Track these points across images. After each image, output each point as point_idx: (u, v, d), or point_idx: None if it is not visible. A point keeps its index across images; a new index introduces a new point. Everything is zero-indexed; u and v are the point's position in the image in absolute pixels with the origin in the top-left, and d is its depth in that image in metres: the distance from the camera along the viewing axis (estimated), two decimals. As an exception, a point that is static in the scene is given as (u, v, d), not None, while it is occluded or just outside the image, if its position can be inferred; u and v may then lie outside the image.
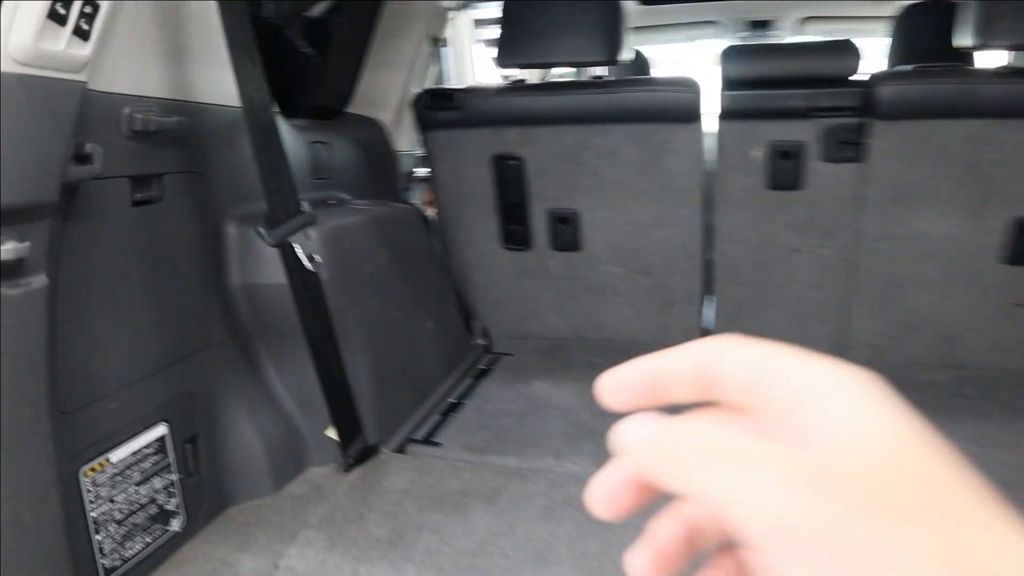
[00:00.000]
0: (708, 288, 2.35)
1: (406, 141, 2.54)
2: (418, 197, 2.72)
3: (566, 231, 2.34)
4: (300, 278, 1.44)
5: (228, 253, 1.54)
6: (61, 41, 0.96)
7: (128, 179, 1.26)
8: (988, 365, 2.15)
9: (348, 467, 1.64)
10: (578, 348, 2.39)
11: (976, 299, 2.10)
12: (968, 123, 1.93)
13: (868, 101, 1.96)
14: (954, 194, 2.01)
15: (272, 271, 1.53)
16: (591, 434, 1.79)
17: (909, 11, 2.97)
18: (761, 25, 4.13)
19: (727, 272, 2.29)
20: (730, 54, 2.07)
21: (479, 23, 4.02)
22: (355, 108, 2.41)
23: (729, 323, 2.35)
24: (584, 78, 2.32)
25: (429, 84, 2.62)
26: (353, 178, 2.20)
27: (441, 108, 2.24)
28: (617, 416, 0.31)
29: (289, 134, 1.90)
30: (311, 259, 1.39)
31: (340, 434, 1.64)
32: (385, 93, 2.45)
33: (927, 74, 1.92)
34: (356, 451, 1.67)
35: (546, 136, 2.21)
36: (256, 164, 1.34)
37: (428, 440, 1.80)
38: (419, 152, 2.59)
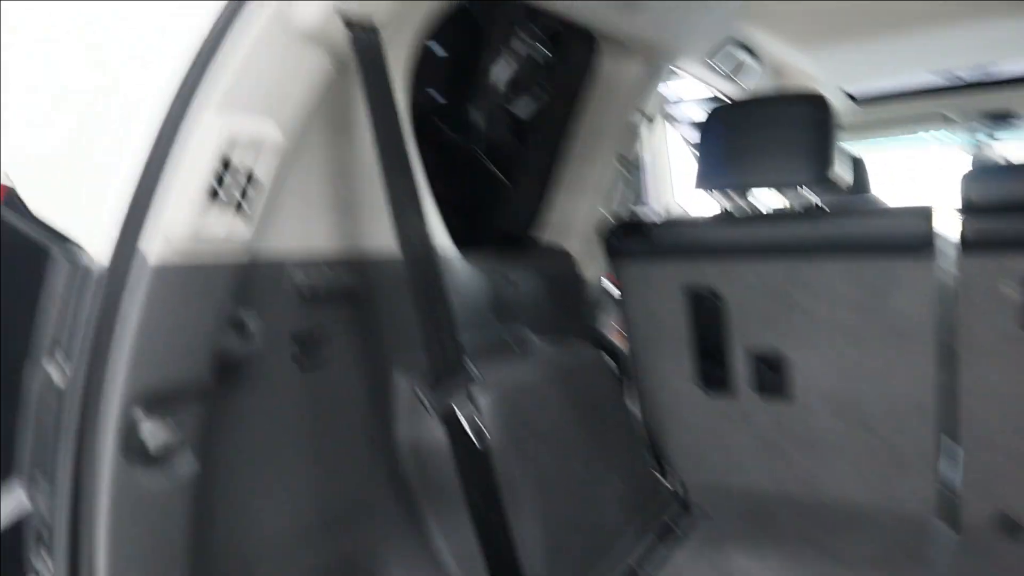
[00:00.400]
0: (947, 451, 1.95)
1: (595, 270, 2.40)
2: (607, 329, 2.57)
3: (772, 376, 2.06)
4: (464, 447, 1.31)
5: (397, 407, 1.46)
6: (219, 223, 0.92)
7: (293, 343, 1.21)
8: None
9: None
10: (788, 513, 2.06)
11: None
12: None
13: None
14: None
15: (436, 428, 1.42)
16: None
17: None
18: (1001, 118, 3.65)
19: (975, 434, 1.88)
20: (976, 176, 1.75)
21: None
22: (542, 236, 2.33)
23: (982, 494, 1.91)
24: (794, 202, 2.08)
25: (622, 204, 2.51)
26: (537, 313, 2.09)
27: (632, 239, 2.09)
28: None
29: (468, 269, 1.83)
30: (475, 428, 1.26)
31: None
32: (573, 218, 2.35)
33: None
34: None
35: (749, 271, 1.98)
36: (416, 319, 1.25)
37: None
38: (609, 283, 2.45)
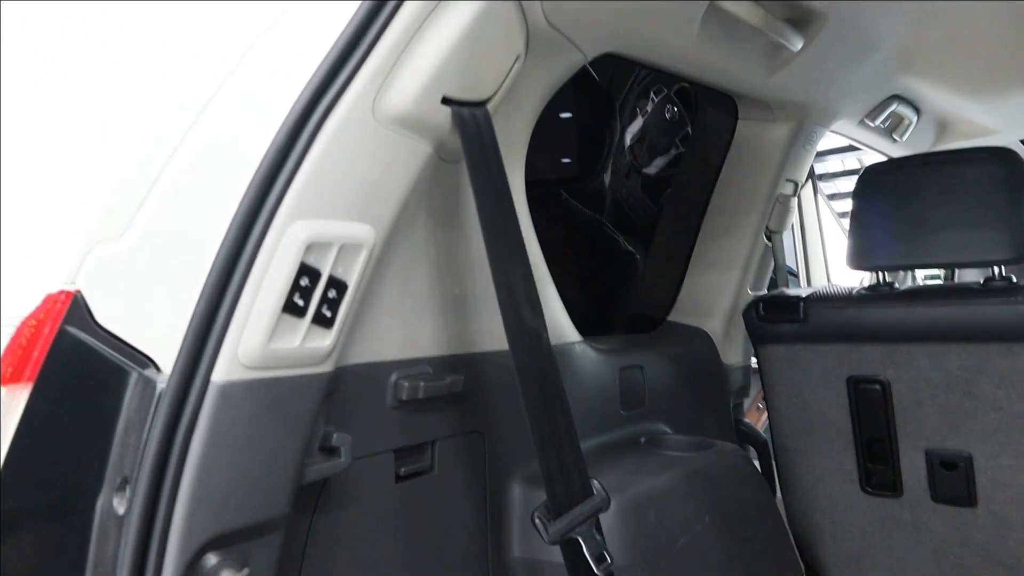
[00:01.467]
0: None
1: (738, 353, 2.18)
2: (749, 415, 2.32)
3: (953, 479, 1.74)
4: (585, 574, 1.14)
5: (510, 521, 1.31)
6: (298, 335, 0.83)
7: (392, 453, 1.10)
8: None
9: None
10: None
11: None
12: None
13: None
14: None
15: (553, 548, 1.26)
16: None
17: None
18: None
19: None
20: None
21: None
22: (677, 316, 2.14)
23: None
24: (969, 279, 1.79)
25: (770, 282, 2.27)
26: (672, 404, 1.89)
27: (780, 320, 1.86)
28: None
29: (592, 360, 1.67)
30: (599, 561, 1.09)
31: None
32: (713, 298, 2.14)
33: None
34: None
35: (922, 356, 1.70)
36: (532, 432, 1.10)
37: None
38: (753, 367, 2.22)
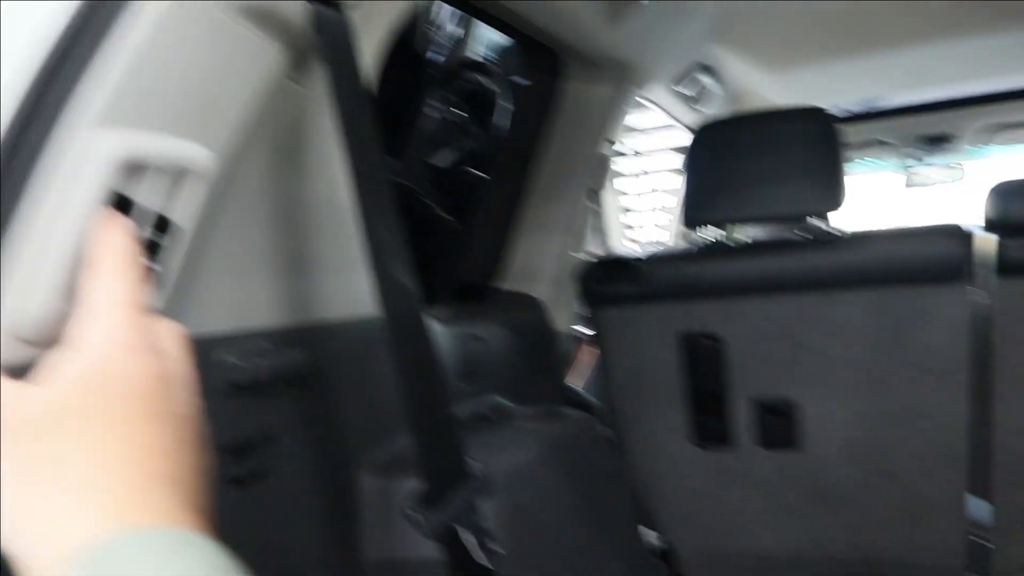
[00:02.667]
0: (977, 493, 1.74)
1: (566, 318, 2.12)
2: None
3: (780, 426, 1.81)
4: (466, 567, 0.99)
5: (364, 519, 1.12)
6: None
7: (221, 452, 0.87)
8: None
9: None
10: (799, 575, 1.80)
11: None
12: None
13: None
14: None
15: (426, 543, 1.09)
16: None
17: None
18: (936, 142, 3.62)
19: (1010, 473, 1.67)
20: (1010, 190, 1.55)
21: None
22: (506, 283, 2.03)
23: (1013, 537, 1.71)
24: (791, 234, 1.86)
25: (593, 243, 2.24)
26: (510, 375, 1.78)
27: (616, 280, 1.82)
28: None
29: (433, 330, 1.52)
30: (486, 549, 0.94)
31: None
32: (541, 262, 2.07)
33: None
34: None
35: (753, 310, 1.74)
36: (404, 408, 0.93)
37: None
38: (584, 331, 2.18)
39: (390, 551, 1.12)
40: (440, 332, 1.53)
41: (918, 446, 1.72)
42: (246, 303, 0.91)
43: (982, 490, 1.73)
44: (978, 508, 1.75)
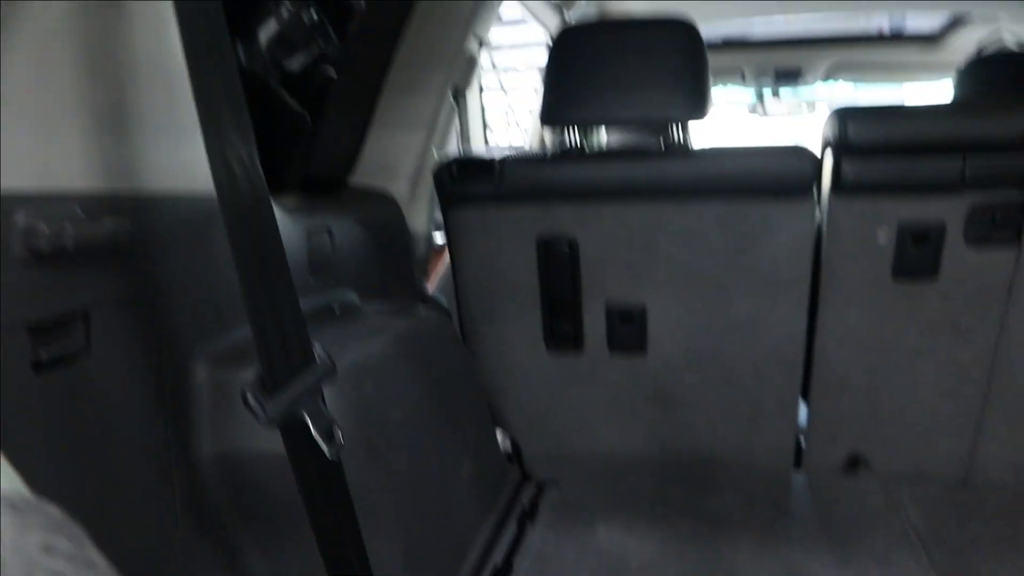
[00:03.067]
0: (806, 401, 1.88)
1: (423, 218, 2.06)
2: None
3: (628, 330, 1.86)
4: (311, 460, 0.94)
5: (195, 410, 1.04)
6: None
7: (26, 331, 0.76)
8: None
9: None
10: (642, 474, 1.90)
11: None
12: None
13: None
14: None
15: (265, 435, 1.03)
16: None
17: (982, 63, 2.60)
18: (789, 75, 3.81)
19: (827, 382, 1.82)
20: (849, 115, 1.62)
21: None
22: (360, 178, 1.93)
23: (829, 441, 1.88)
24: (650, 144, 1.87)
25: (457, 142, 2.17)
26: (360, 270, 1.71)
27: (475, 181, 1.77)
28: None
29: (279, 219, 1.42)
30: (329, 438, 0.89)
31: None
32: (398, 158, 1.97)
33: None
34: None
35: (608, 215, 1.75)
36: (242, 287, 0.85)
37: None
38: (439, 233, 2.12)
39: (227, 445, 1.05)
40: (286, 221, 1.43)
41: (757, 354, 1.82)
42: (50, 159, 0.79)
43: (803, 395, 1.88)
44: (804, 411, 1.90)
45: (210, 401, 1.04)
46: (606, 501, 1.78)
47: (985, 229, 1.59)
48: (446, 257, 2.16)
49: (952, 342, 1.71)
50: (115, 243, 0.85)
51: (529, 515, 1.71)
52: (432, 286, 2.38)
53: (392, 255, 1.92)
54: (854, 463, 1.87)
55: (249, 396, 0.83)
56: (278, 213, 1.39)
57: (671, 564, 1.50)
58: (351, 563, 1.08)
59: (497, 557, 1.53)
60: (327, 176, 1.91)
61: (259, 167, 0.87)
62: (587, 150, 1.83)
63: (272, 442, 0.96)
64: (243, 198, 0.85)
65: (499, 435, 2.03)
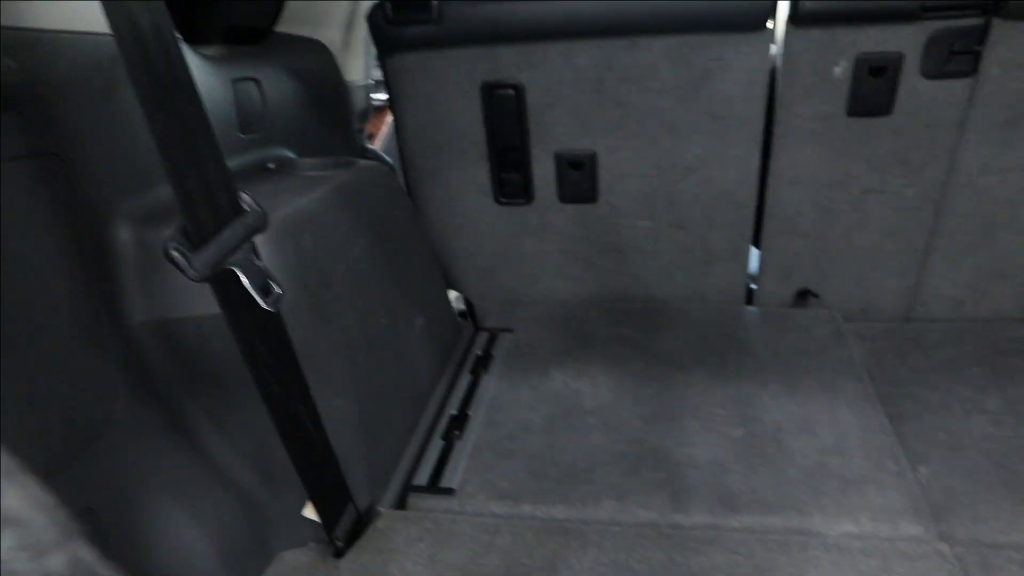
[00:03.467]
0: (756, 241, 1.88)
1: (359, 68, 1.93)
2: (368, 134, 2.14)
3: (579, 179, 1.81)
4: (248, 316, 0.89)
5: (122, 275, 0.98)
6: None
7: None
8: None
9: (337, 551, 1.15)
10: (595, 318, 1.91)
11: None
12: None
13: None
14: None
15: (199, 296, 0.98)
16: (650, 454, 1.35)
17: None
18: None
19: (780, 221, 1.82)
20: None
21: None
22: (288, 26, 1.78)
23: (779, 281, 1.90)
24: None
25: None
26: (295, 126, 1.61)
27: (410, 22, 1.64)
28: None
29: (201, 70, 1.31)
30: (266, 292, 0.84)
31: (321, 510, 1.13)
32: (327, 4, 1.82)
33: None
34: (346, 528, 1.17)
35: (554, 56, 1.65)
36: (154, 137, 0.77)
37: (435, 486, 1.31)
38: (376, 82, 2.00)
39: (161, 309, 1.00)
40: (205, 70, 1.31)
41: (709, 197, 1.79)
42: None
43: (755, 238, 1.88)
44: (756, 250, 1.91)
45: (137, 263, 0.98)
46: (560, 345, 1.79)
47: (942, 60, 1.54)
48: (390, 117, 2.06)
49: (901, 179, 1.70)
50: (8, 89, 0.75)
51: (483, 364, 1.71)
52: (378, 147, 2.28)
53: (328, 108, 1.81)
54: (803, 295, 1.90)
55: (172, 250, 0.77)
56: (196, 62, 1.28)
57: (625, 405, 1.53)
58: (303, 423, 1.06)
59: (452, 407, 1.54)
60: (251, 24, 1.76)
61: (164, 8, 0.77)
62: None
63: (208, 302, 0.92)
64: (146, 41, 0.75)
65: (452, 294, 2.01)
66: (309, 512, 1.16)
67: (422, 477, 1.33)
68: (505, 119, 1.75)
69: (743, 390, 1.54)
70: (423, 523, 1.22)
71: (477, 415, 1.51)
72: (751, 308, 1.93)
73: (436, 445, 1.42)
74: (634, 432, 1.42)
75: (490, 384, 1.63)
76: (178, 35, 1.21)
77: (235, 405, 1.09)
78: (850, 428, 1.38)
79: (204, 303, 0.96)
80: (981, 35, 1.51)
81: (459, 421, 1.49)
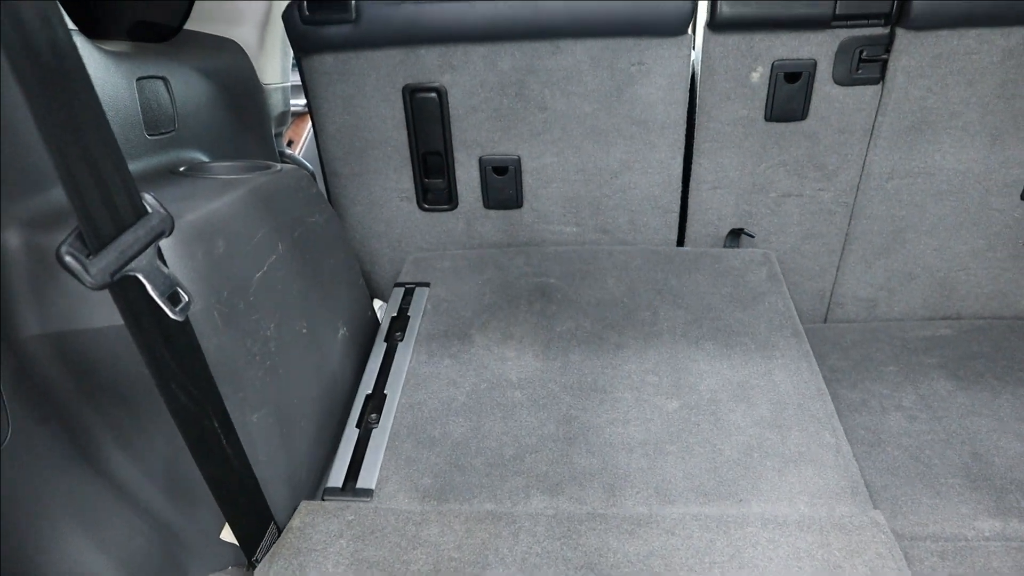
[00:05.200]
0: (680, 245, 1.90)
1: (276, 69, 1.86)
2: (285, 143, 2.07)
3: (503, 184, 1.79)
4: (154, 326, 0.83)
5: (12, 285, 0.90)
6: None
7: None
8: (986, 314, 1.87)
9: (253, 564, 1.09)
10: (519, 262, 1.79)
11: (984, 241, 1.79)
12: (1008, 32, 1.54)
13: (898, 5, 1.53)
14: (981, 121, 1.64)
15: (98, 306, 0.91)
16: (581, 436, 1.28)
17: None
18: None
19: (704, 225, 1.84)
20: None
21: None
22: (199, 24, 1.71)
23: None
24: None
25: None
26: (207, 128, 1.54)
27: (327, 22, 1.59)
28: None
29: (101, 66, 1.23)
30: (173, 300, 0.78)
31: (240, 531, 1.07)
32: (241, 1, 1.75)
33: None
34: (267, 550, 1.11)
35: (476, 58, 1.63)
36: (41, 134, 0.70)
37: (352, 488, 1.22)
38: (294, 84, 1.94)
39: (57, 321, 0.93)
40: (106, 66, 1.24)
41: (634, 203, 1.80)
42: None
43: (679, 242, 1.89)
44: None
45: (29, 271, 0.90)
46: (480, 301, 1.67)
47: (852, 67, 1.59)
48: (310, 124, 1.99)
49: (818, 183, 1.75)
50: None
51: (399, 325, 1.59)
52: (298, 154, 2.21)
53: (243, 110, 1.74)
54: (736, 234, 1.85)
55: (67, 255, 0.70)
56: (95, 56, 1.20)
57: (553, 375, 1.43)
58: (217, 440, 1.00)
59: (367, 385, 1.44)
60: (158, 21, 1.67)
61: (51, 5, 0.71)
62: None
63: (109, 312, 0.85)
64: (30, 30, 0.69)
65: (376, 303, 1.96)
66: (227, 535, 1.09)
67: (337, 475, 1.24)
68: (427, 123, 1.71)
69: (677, 353, 1.47)
70: (343, 516, 1.14)
71: (394, 394, 1.40)
72: (683, 249, 1.83)
73: (351, 435, 1.32)
74: (564, 408, 1.34)
75: (407, 353, 1.51)
76: (73, 27, 1.14)
77: (143, 422, 1.02)
78: (787, 395, 1.34)
79: (105, 313, 0.89)
80: (887, 44, 1.57)
81: (375, 402, 1.38)
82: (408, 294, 1.70)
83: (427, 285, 1.73)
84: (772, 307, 1.59)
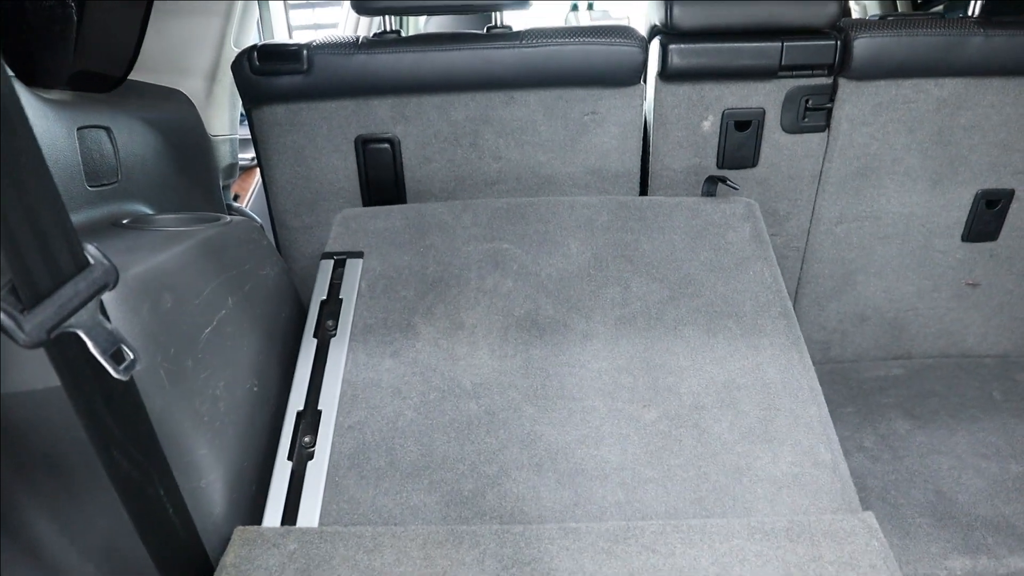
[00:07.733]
0: None
1: (223, 121, 1.83)
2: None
3: None
4: (95, 387, 0.77)
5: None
6: None
7: None
8: (935, 352, 1.91)
9: None
10: (466, 221, 1.53)
11: (929, 281, 1.83)
12: (944, 83, 1.61)
13: (839, 56, 1.58)
14: (921, 166, 1.69)
15: (31, 366, 0.85)
16: (549, 461, 1.13)
17: None
18: None
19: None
20: (681, 2, 1.58)
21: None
22: (144, 75, 1.67)
23: None
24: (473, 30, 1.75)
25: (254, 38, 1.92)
26: (152, 179, 1.49)
27: (279, 72, 1.57)
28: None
29: (40, 114, 1.18)
30: (117, 358, 0.73)
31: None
32: (190, 51, 1.72)
33: (908, 23, 1.56)
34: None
35: (430, 109, 1.62)
36: None
37: (288, 518, 1.07)
38: (242, 137, 1.90)
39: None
40: (45, 114, 1.19)
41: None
42: None
43: None
44: None
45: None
46: (423, 274, 1.43)
47: (799, 115, 1.64)
48: (259, 176, 1.96)
49: (770, 229, 1.78)
50: None
51: (331, 312, 1.37)
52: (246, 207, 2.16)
53: (190, 162, 1.69)
54: (713, 181, 1.73)
55: (0, 309, 0.65)
56: (33, 104, 1.16)
57: (513, 377, 1.25)
58: (163, 510, 0.93)
59: (298, 399, 1.23)
60: (102, 72, 1.63)
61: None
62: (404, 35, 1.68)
63: (45, 373, 0.79)
64: None
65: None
66: (171, 611, 1.01)
67: (273, 517, 1.07)
68: (380, 174, 1.69)
69: (654, 343, 1.29)
70: (285, 546, 1.01)
71: (330, 411, 1.21)
72: (656, 198, 1.57)
73: (284, 468, 1.14)
74: (527, 425, 1.17)
75: (342, 353, 1.29)
76: (11, 72, 1.09)
77: (79, 494, 0.95)
78: (778, 396, 1.20)
79: (39, 373, 0.83)
80: (831, 93, 1.62)
81: (309, 421, 1.19)
82: (339, 266, 1.45)
83: (360, 256, 1.48)
84: (758, 277, 1.40)
